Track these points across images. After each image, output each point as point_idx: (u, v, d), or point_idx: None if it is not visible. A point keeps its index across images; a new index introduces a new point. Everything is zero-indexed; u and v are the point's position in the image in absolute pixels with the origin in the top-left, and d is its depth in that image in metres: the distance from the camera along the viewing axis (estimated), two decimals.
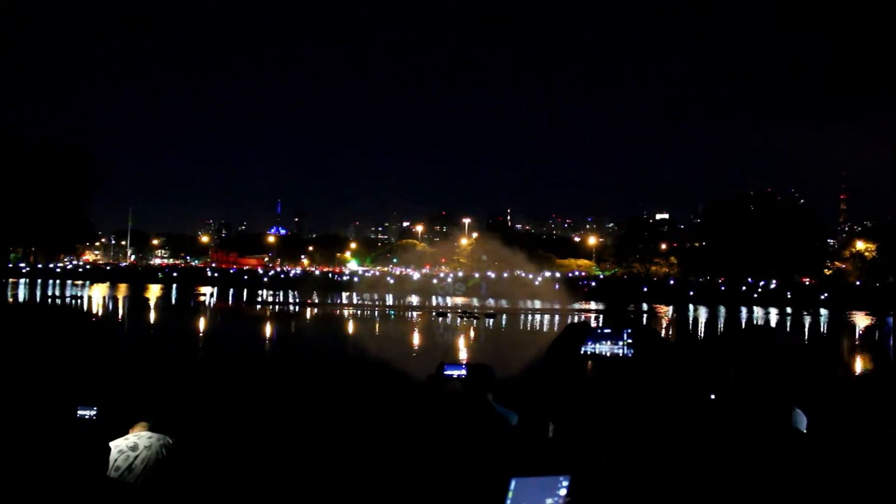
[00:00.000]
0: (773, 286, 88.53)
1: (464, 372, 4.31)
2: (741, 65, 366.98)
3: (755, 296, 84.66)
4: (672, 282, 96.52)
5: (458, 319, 45.83)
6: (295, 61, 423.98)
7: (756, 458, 2.05)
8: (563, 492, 1.72)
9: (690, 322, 50.51)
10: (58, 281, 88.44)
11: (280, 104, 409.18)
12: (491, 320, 45.78)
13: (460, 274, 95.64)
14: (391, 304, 63.85)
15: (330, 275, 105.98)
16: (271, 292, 76.24)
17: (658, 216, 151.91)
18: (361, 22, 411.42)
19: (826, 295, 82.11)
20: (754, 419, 2.18)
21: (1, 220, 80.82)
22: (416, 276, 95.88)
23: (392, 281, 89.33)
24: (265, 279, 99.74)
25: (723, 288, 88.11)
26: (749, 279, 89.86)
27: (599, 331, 1.97)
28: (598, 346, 1.96)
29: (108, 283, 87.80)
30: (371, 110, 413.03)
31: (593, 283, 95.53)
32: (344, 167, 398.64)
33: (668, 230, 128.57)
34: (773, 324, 50.95)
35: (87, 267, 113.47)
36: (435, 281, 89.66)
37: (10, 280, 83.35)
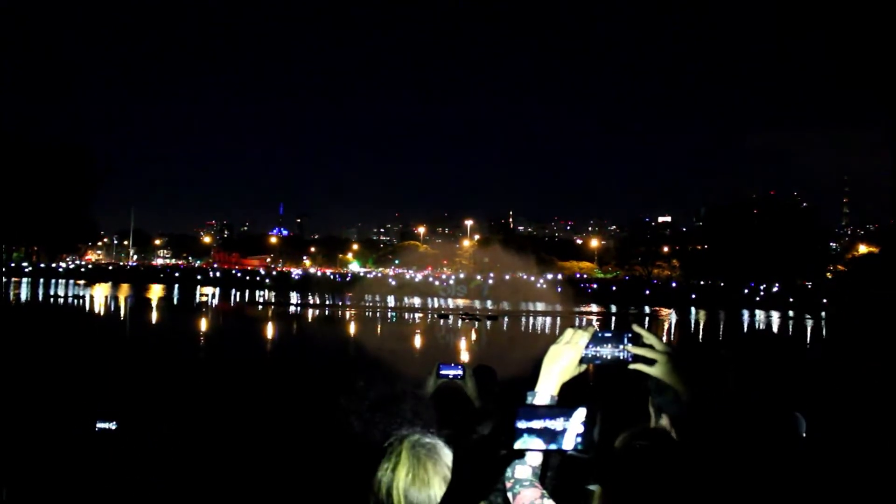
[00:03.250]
0: (775, 290, 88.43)
1: (460, 372, 4.31)
2: (744, 67, 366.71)
3: (757, 299, 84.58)
4: (674, 285, 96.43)
5: (460, 321, 45.83)
6: (298, 62, 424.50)
7: (760, 464, 2.07)
8: (579, 419, 1.68)
9: (692, 325, 50.49)
10: (61, 280, 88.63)
11: (283, 105, 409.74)
12: (492, 322, 45.78)
13: (462, 276, 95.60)
14: (392, 305, 63.86)
15: (332, 276, 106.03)
16: (273, 293, 76.28)
17: (660, 219, 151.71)
18: (364, 24, 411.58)
19: (827, 299, 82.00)
20: (757, 425, 2.20)
21: (2, 220, 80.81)
22: (417, 277, 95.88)
23: (394, 282, 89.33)
24: (267, 280, 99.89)
25: (725, 291, 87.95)
26: (751, 282, 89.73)
27: (599, 334, 2.00)
28: (598, 349, 1.99)
29: (110, 283, 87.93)
30: (374, 112, 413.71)
31: (595, 286, 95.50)
32: (346, 169, 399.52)
33: (670, 233, 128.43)
34: (773, 328, 50.95)
35: (90, 267, 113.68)
36: (437, 282, 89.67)
37: (13, 279, 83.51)
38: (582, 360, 1.96)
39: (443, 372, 4.27)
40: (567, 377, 1.97)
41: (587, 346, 1.95)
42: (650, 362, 1.98)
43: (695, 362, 2.08)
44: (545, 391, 1.95)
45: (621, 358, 1.95)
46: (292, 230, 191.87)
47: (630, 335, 1.97)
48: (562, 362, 1.96)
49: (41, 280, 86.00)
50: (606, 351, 1.95)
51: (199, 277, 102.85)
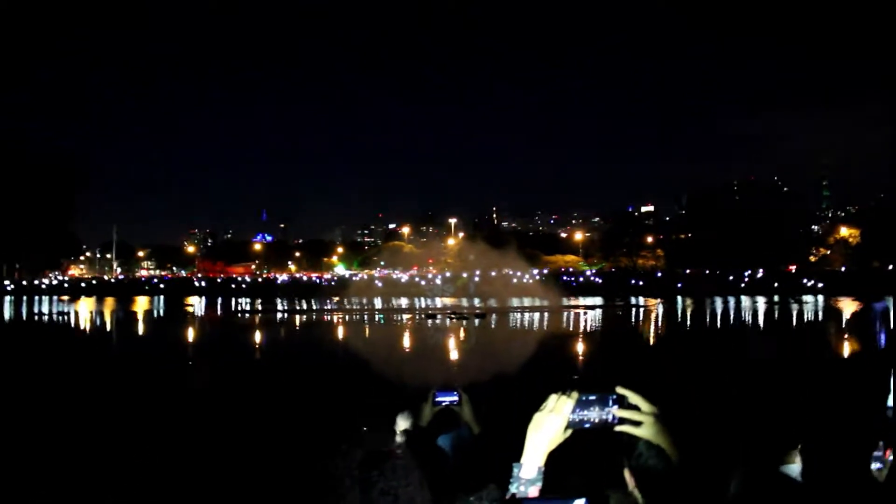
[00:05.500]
0: (759, 275, 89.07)
1: (456, 398, 4.32)
2: (721, 52, 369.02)
3: (742, 286, 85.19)
4: (659, 274, 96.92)
5: (448, 321, 45.71)
6: (276, 65, 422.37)
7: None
8: None
9: (679, 315, 50.60)
10: (44, 297, 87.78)
11: (261, 109, 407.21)
12: (480, 320, 45.71)
13: (448, 274, 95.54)
14: (379, 307, 63.70)
15: (317, 280, 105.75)
16: (259, 300, 75.95)
17: (643, 209, 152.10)
18: (342, 27, 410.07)
19: (812, 282, 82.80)
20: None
21: None
22: (403, 278, 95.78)
23: (380, 284, 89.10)
24: (253, 287, 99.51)
25: (710, 279, 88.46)
26: (736, 269, 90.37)
27: (584, 398, 1.97)
28: (584, 413, 1.96)
29: (94, 298, 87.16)
30: (353, 113, 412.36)
31: (580, 279, 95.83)
32: (327, 171, 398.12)
33: (653, 223, 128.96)
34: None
35: (74, 282, 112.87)
36: (423, 282, 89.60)
37: None
38: (568, 426, 1.93)
39: (438, 399, 4.24)
40: (554, 445, 1.93)
41: (573, 411, 1.92)
42: (637, 424, 1.95)
43: (682, 422, 2.05)
44: (532, 462, 1.91)
45: (608, 421, 1.92)
46: (276, 235, 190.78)
47: (615, 397, 1.94)
48: (547, 431, 1.92)
49: (24, 298, 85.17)
50: (593, 414, 1.92)
51: (185, 287, 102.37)
